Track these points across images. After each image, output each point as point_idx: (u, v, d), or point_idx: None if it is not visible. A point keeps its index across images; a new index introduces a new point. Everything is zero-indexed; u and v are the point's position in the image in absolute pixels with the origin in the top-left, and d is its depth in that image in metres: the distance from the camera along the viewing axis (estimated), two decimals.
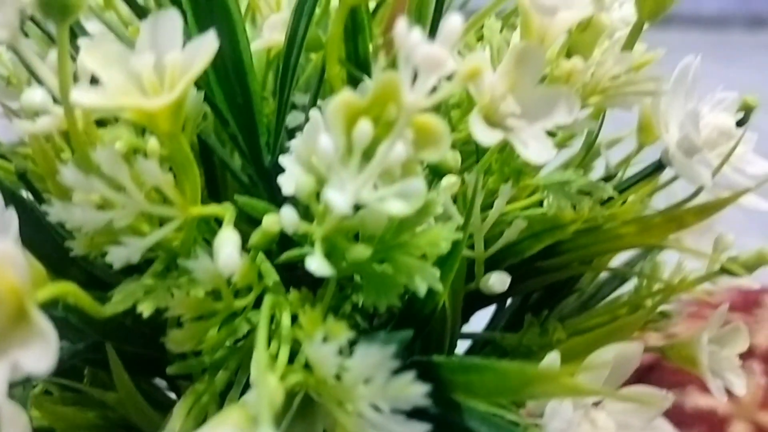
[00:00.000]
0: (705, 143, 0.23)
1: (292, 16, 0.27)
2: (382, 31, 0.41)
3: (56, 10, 0.18)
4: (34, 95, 0.20)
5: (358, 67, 0.31)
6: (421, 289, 0.22)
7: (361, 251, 0.21)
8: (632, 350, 0.22)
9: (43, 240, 0.24)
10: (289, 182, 0.22)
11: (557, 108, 0.22)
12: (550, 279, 0.28)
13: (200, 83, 0.27)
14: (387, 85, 0.19)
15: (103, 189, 0.20)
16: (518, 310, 0.32)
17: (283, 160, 0.23)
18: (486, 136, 0.21)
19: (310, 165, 0.23)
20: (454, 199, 0.26)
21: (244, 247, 0.23)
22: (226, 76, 0.26)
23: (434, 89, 0.18)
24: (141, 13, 0.25)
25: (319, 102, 0.31)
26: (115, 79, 0.19)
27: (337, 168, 0.19)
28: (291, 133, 0.32)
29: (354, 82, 0.31)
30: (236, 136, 0.29)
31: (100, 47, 0.19)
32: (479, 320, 0.36)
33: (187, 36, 0.25)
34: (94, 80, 0.20)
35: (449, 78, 0.19)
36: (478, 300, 0.29)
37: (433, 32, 0.33)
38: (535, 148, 0.22)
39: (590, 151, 0.30)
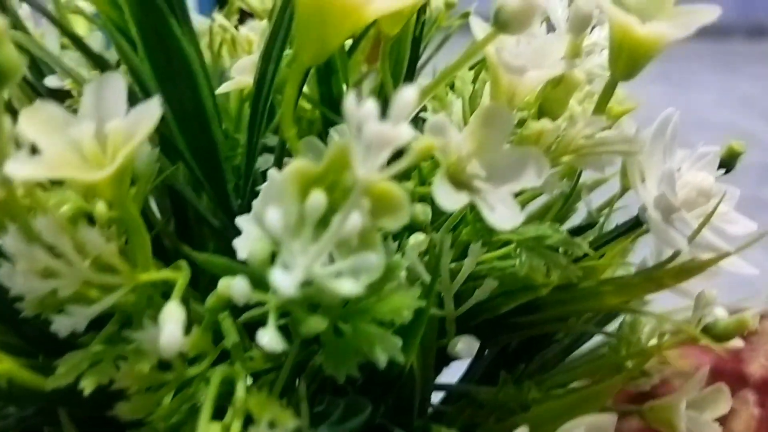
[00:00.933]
0: (684, 203, 0.22)
1: (261, 61, 0.26)
2: (366, 60, 0.40)
3: None
4: None
5: (331, 108, 0.30)
6: (381, 360, 0.21)
7: (316, 324, 0.20)
8: (605, 422, 0.21)
9: None
10: (244, 246, 0.21)
11: (526, 170, 0.21)
12: (526, 334, 0.27)
13: (164, 131, 0.26)
14: (340, 154, 0.19)
15: (46, 258, 0.19)
16: (496, 360, 0.31)
17: (240, 220, 0.22)
18: (449, 201, 0.20)
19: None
20: (426, 252, 0.25)
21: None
22: (189, 125, 0.25)
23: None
24: (102, 63, 0.24)
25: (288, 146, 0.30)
26: (54, 148, 0.18)
27: (286, 242, 0.18)
28: (263, 175, 0.31)
29: (328, 123, 0.31)
30: (202, 183, 0.28)
31: (40, 113, 0.18)
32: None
33: (147, 88, 0.24)
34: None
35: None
36: None
37: (411, 70, 0.32)
38: (502, 213, 0.21)
39: (570, 197, 0.29)
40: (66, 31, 0.23)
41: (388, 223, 0.19)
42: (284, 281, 0.17)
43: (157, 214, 0.31)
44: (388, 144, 0.16)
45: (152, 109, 0.18)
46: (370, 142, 0.16)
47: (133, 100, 0.25)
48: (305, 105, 0.31)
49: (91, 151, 0.18)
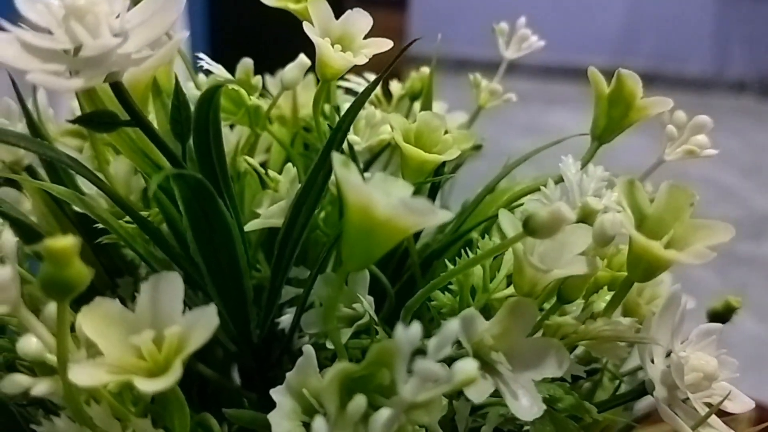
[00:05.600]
0: (690, 387, 0.24)
1: (292, 209, 0.28)
2: None
3: (56, 291, 0.18)
4: (29, 343, 0.20)
5: None
6: None
7: None
8: None
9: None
10: (278, 423, 0.22)
11: (548, 360, 0.22)
12: None
13: (197, 280, 0.27)
14: (383, 354, 0.20)
15: None
16: None
17: (274, 393, 0.23)
18: (477, 394, 0.22)
19: (300, 396, 0.23)
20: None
21: None
22: (222, 279, 0.26)
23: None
24: (141, 221, 0.25)
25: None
26: (113, 352, 0.19)
27: None
28: (289, 303, 0.32)
29: None
30: (227, 321, 0.29)
31: (97, 310, 0.19)
32: None
33: (185, 247, 0.25)
34: None
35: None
36: None
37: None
38: (525, 403, 0.22)
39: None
40: (110, 194, 0.24)
41: (423, 417, 0.21)
42: None
43: None
44: (434, 379, 0.17)
45: (209, 319, 0.19)
46: (417, 375, 0.17)
47: (166, 246, 0.27)
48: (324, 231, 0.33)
49: (149, 353, 0.19)
